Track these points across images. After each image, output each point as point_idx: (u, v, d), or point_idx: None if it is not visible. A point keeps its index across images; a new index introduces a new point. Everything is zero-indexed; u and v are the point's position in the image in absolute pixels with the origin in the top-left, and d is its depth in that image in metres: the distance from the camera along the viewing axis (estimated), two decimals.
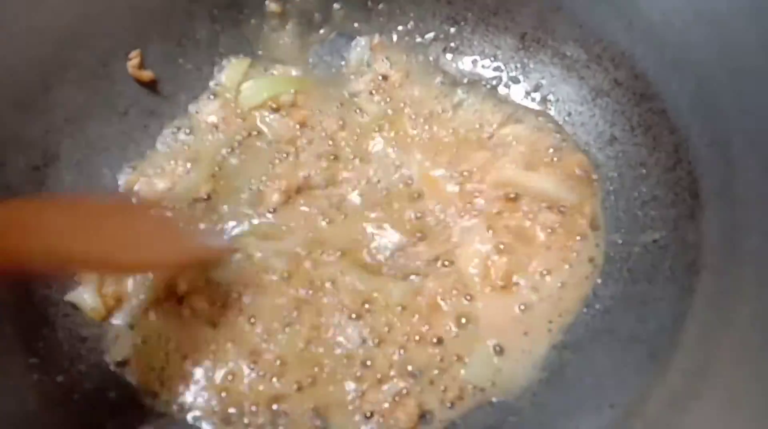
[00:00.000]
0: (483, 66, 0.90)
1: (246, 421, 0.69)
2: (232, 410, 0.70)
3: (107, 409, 0.68)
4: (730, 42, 0.69)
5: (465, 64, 0.90)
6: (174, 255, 0.72)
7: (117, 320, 0.75)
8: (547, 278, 0.75)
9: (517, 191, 0.80)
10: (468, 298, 0.75)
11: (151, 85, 0.86)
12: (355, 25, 0.92)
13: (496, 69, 0.90)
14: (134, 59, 0.84)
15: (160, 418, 0.69)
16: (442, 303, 0.75)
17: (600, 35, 0.80)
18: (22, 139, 0.76)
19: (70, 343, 0.71)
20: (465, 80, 0.89)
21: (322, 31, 0.92)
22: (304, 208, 0.81)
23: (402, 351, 0.72)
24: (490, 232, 0.78)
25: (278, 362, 0.72)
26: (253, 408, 0.70)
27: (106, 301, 0.74)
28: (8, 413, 0.62)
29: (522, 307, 0.74)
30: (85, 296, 0.73)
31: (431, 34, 0.91)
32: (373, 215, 0.80)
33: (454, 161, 0.83)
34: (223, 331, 0.74)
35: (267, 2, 0.89)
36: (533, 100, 0.87)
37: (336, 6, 0.90)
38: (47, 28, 0.78)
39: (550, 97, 0.86)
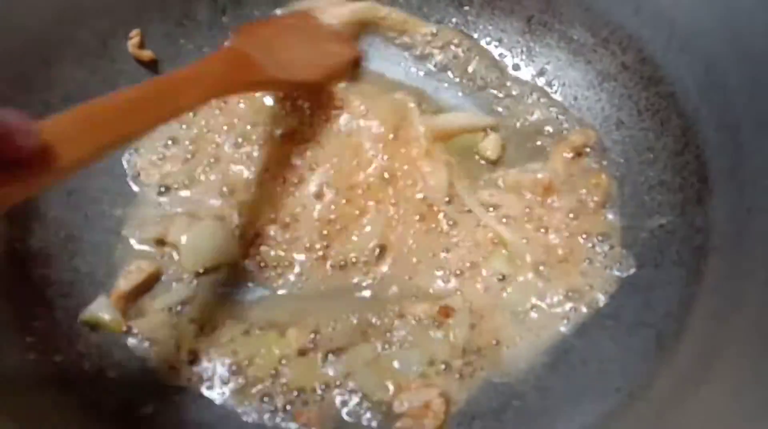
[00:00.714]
0: (488, 51, 0.89)
1: (262, 392, 0.68)
2: (245, 381, 0.69)
3: (106, 389, 0.67)
4: (740, 24, 0.69)
5: None
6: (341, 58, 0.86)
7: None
8: (549, 266, 0.74)
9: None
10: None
11: (152, 66, 0.85)
12: None
13: (501, 54, 0.89)
14: (135, 38, 0.83)
15: (162, 399, 0.68)
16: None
17: (608, 18, 0.80)
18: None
19: (68, 323, 0.70)
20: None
21: None
22: None
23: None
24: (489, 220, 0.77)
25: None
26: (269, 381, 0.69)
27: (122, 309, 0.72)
28: (4, 393, 0.61)
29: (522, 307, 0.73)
30: (100, 313, 0.71)
31: (435, 17, 0.90)
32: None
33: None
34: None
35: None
36: (539, 84, 0.86)
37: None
38: (46, 5, 0.76)
39: (556, 81, 0.86)
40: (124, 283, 0.72)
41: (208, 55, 0.79)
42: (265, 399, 0.68)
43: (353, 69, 0.88)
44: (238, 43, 0.76)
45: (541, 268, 0.74)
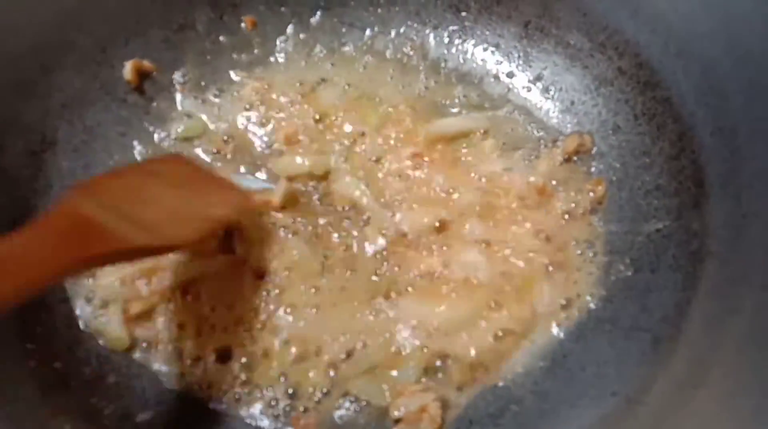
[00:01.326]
0: (484, 57, 0.89)
1: (263, 398, 0.69)
2: (246, 387, 0.69)
3: (106, 396, 0.67)
4: (737, 29, 0.69)
5: (466, 53, 0.90)
6: (228, 209, 0.72)
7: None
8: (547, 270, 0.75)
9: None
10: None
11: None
12: (358, 20, 0.91)
13: (498, 61, 0.89)
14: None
15: (161, 405, 0.68)
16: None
17: (605, 23, 0.80)
18: (20, 123, 0.76)
19: (68, 329, 0.70)
20: (466, 70, 0.89)
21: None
22: None
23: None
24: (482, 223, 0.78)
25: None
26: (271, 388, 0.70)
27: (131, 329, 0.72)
28: (4, 400, 0.61)
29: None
30: (108, 328, 0.71)
31: (432, 23, 0.90)
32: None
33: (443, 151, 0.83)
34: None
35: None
36: (536, 89, 0.87)
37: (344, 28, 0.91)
38: (45, 11, 0.77)
39: (553, 86, 0.86)
40: (135, 307, 0.72)
41: (27, 227, 0.54)
42: (267, 404, 0.68)
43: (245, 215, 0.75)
44: (76, 203, 0.56)
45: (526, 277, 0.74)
